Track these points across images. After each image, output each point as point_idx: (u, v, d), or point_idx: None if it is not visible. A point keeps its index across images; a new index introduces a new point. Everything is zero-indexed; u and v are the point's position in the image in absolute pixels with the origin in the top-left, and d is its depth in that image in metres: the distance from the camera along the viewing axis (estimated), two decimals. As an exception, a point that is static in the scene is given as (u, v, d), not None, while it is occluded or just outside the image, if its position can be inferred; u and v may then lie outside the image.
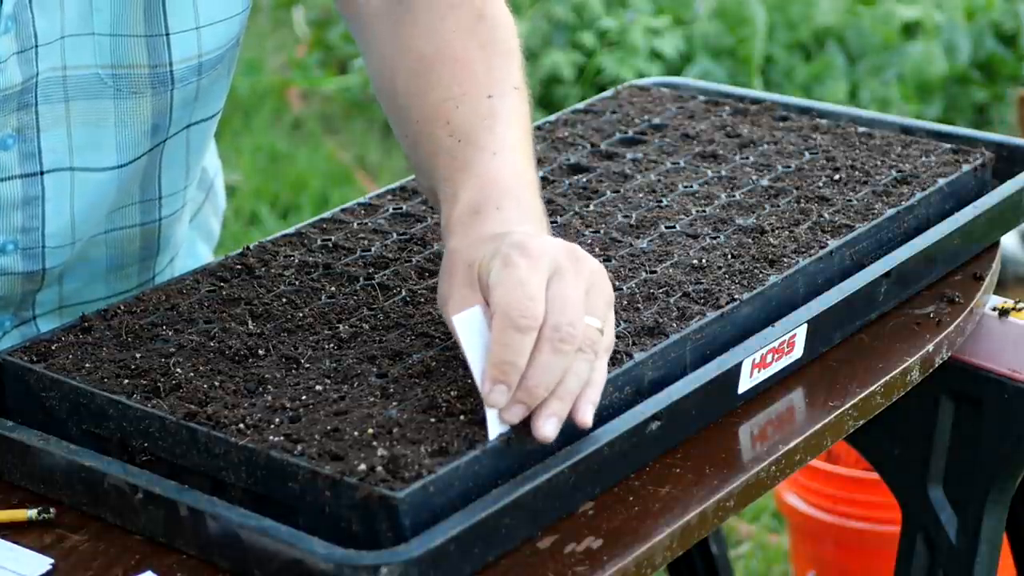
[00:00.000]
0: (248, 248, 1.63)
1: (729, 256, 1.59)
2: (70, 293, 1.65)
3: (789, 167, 1.80)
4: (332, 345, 1.44)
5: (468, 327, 1.31)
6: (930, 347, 1.60)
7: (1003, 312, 1.76)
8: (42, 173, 1.54)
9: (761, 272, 1.55)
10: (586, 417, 1.30)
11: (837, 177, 1.77)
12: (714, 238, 1.63)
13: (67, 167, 1.54)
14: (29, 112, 1.50)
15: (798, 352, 1.53)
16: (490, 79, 1.50)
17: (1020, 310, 1.76)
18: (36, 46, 1.47)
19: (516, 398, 1.28)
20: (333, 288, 1.54)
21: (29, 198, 1.54)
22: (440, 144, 1.47)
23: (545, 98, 5.17)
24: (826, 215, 1.68)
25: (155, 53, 1.53)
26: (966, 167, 1.80)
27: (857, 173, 1.78)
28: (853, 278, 1.60)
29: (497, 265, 1.30)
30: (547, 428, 1.29)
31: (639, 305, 1.49)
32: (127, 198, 1.62)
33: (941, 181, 1.76)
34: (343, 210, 1.72)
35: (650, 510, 1.34)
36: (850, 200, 1.71)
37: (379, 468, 1.24)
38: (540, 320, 1.27)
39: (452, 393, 1.34)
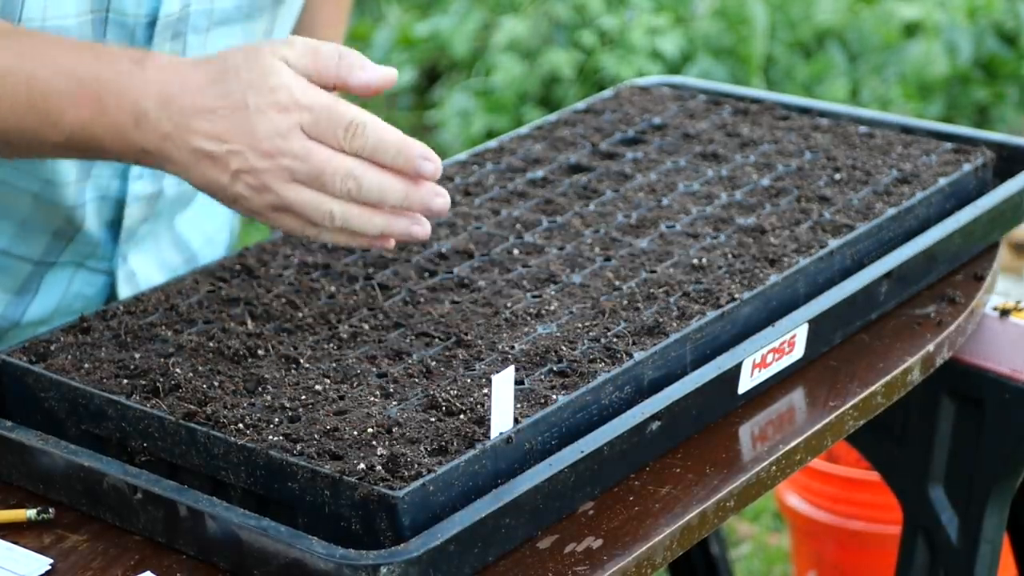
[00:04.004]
0: (247, 248, 1.63)
1: (729, 256, 1.59)
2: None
3: (790, 167, 1.80)
4: (332, 345, 1.44)
5: (503, 382, 1.30)
6: (931, 347, 1.60)
7: (1004, 312, 1.76)
8: None
9: (761, 272, 1.55)
10: None
11: (838, 177, 1.77)
12: (714, 238, 1.63)
13: None
14: (179, 41, 1.59)
15: (799, 352, 1.53)
16: None
17: (1021, 310, 1.76)
18: None
19: None
20: (333, 288, 1.54)
21: None
22: None
23: (545, 97, 5.17)
24: (827, 215, 1.68)
25: None
26: (967, 167, 1.80)
27: (858, 173, 1.78)
28: (853, 278, 1.60)
29: None
30: None
31: (639, 305, 1.49)
32: None
33: (942, 181, 1.76)
34: (343, 210, 1.72)
35: (650, 510, 1.34)
36: (851, 200, 1.71)
37: (378, 467, 1.24)
38: None
39: (452, 393, 1.34)
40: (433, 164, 1.36)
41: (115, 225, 1.69)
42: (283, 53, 1.36)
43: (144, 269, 1.76)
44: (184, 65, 1.39)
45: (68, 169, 1.60)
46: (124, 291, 1.73)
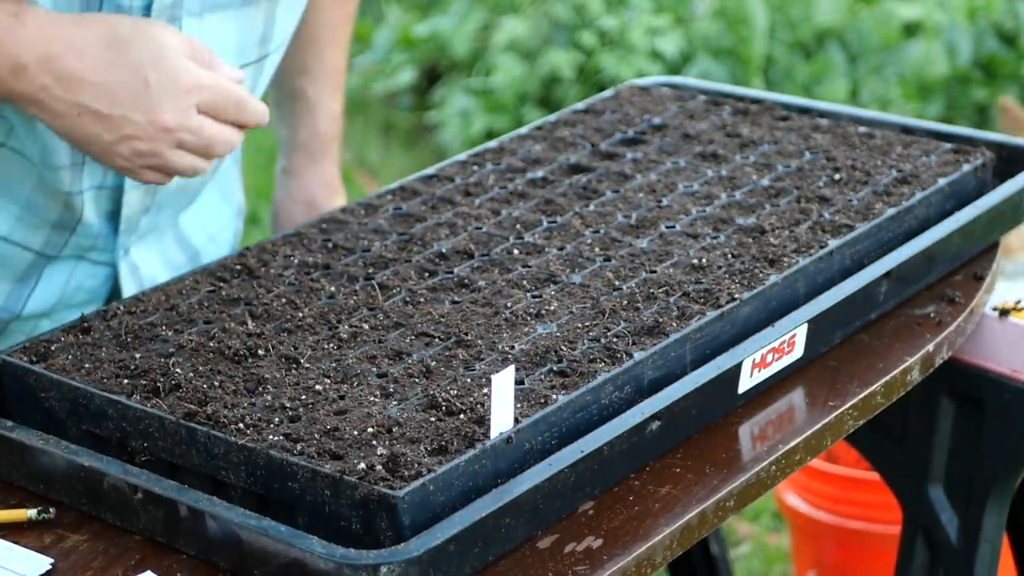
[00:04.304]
0: (247, 248, 1.63)
1: (729, 256, 1.59)
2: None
3: (789, 167, 1.80)
4: (332, 345, 1.44)
5: (504, 382, 1.30)
6: (930, 347, 1.60)
7: (1003, 312, 1.76)
8: None
9: (761, 272, 1.55)
10: None
11: (837, 177, 1.77)
12: (714, 238, 1.63)
13: None
14: (175, 26, 1.61)
15: (798, 352, 1.53)
16: None
17: (1020, 310, 1.76)
18: None
19: None
20: (333, 288, 1.54)
21: None
22: None
23: (545, 98, 5.16)
24: (826, 215, 1.68)
25: None
26: (967, 167, 1.80)
27: (857, 173, 1.78)
28: (853, 278, 1.60)
29: None
30: None
31: (639, 305, 1.49)
32: None
33: (941, 181, 1.76)
34: (343, 210, 1.72)
35: (650, 510, 1.34)
36: (850, 200, 1.71)
37: (378, 467, 1.24)
38: None
39: (452, 393, 1.34)
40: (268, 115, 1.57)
41: (115, 216, 1.70)
42: (168, 36, 1.50)
43: (148, 264, 1.76)
44: (65, 23, 1.48)
45: (61, 153, 1.61)
46: (127, 284, 1.73)
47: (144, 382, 1.37)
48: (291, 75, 2.01)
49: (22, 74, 1.47)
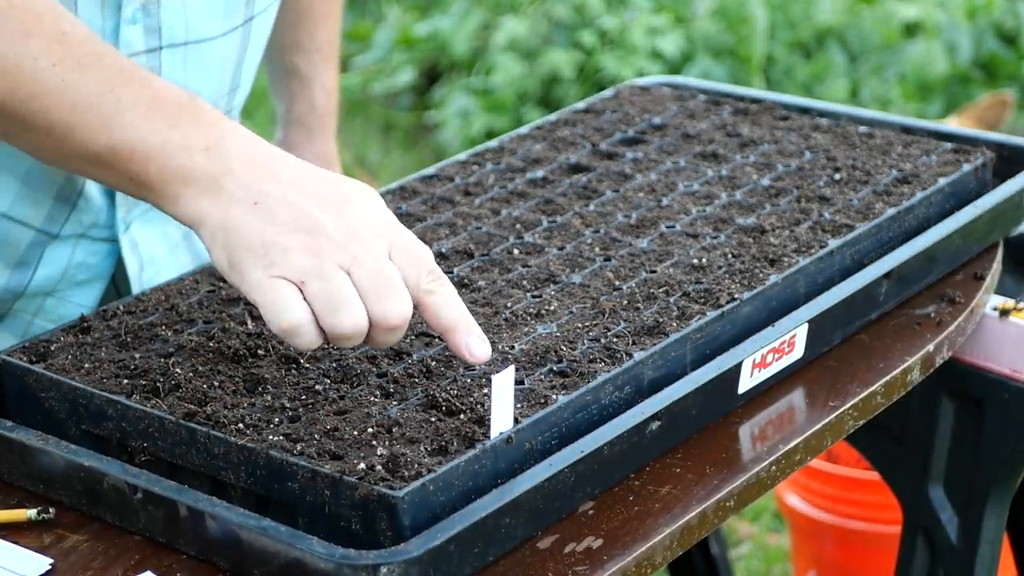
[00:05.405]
0: (248, 248, 1.63)
1: (729, 256, 1.59)
2: None
3: (789, 167, 1.80)
4: (332, 345, 1.44)
5: (504, 382, 1.30)
6: (931, 347, 1.60)
7: (1004, 312, 1.76)
8: (160, 48, 1.62)
9: (761, 272, 1.55)
10: None
11: (838, 177, 1.77)
12: (714, 238, 1.63)
13: (181, 42, 1.63)
14: None
15: (798, 352, 1.53)
16: None
17: (1020, 310, 1.76)
18: None
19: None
20: (333, 288, 1.54)
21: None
22: None
23: (545, 97, 5.17)
24: (826, 215, 1.68)
25: None
26: (967, 167, 1.80)
27: (858, 173, 1.78)
28: (853, 278, 1.60)
29: None
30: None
31: (639, 305, 1.49)
32: (222, 84, 1.70)
33: (942, 181, 1.76)
34: (343, 210, 1.72)
35: (650, 510, 1.34)
36: (850, 200, 1.71)
37: (378, 467, 1.24)
38: None
39: (452, 393, 1.34)
40: (484, 348, 1.32)
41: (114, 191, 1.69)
42: None
43: (147, 241, 1.75)
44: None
45: None
46: (130, 260, 1.72)
47: (144, 382, 1.37)
48: (285, 52, 2.02)
49: (218, 151, 1.32)
